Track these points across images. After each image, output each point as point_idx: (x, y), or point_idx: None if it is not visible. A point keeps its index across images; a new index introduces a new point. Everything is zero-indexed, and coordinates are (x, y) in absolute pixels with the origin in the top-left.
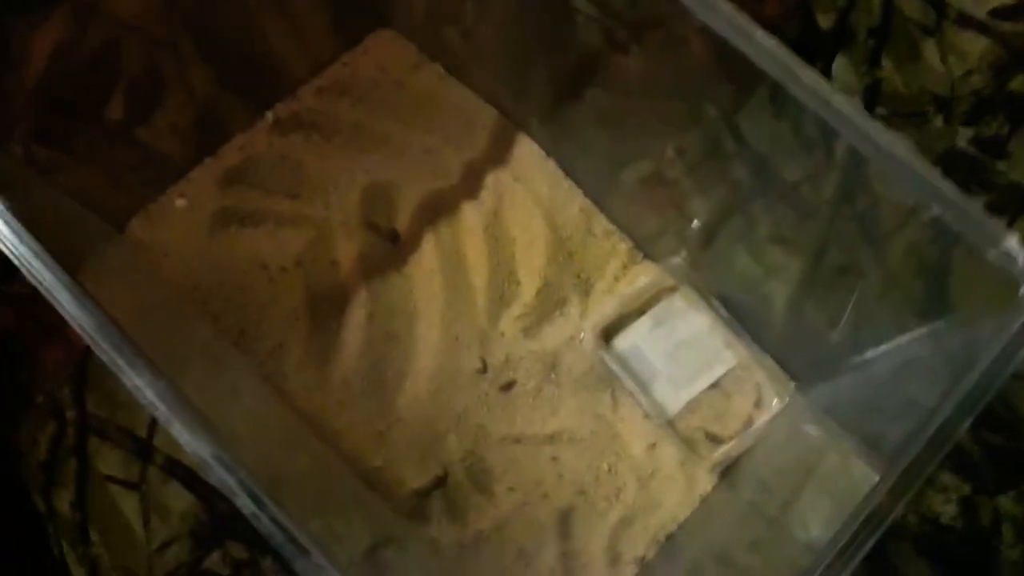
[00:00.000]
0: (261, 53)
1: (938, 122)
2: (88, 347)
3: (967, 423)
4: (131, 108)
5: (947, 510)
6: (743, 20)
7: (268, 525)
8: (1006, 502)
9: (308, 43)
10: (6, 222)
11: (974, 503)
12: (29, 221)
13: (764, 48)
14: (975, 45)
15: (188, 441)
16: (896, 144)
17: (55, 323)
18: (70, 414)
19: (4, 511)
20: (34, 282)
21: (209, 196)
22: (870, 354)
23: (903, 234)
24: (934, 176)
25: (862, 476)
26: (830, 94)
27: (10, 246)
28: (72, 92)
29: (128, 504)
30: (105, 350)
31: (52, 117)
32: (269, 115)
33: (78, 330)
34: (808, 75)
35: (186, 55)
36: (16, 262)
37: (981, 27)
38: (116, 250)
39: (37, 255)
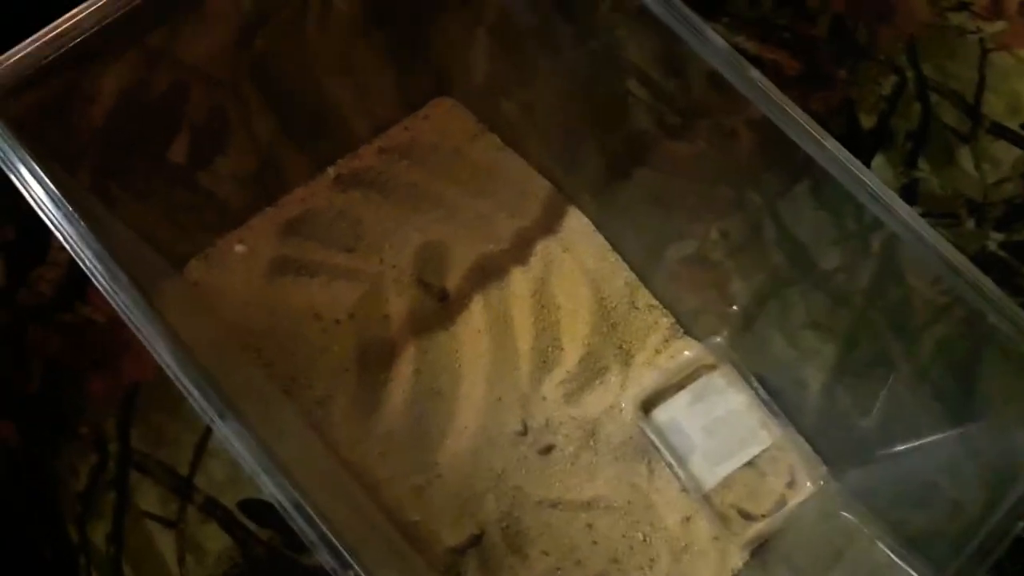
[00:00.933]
0: (325, 109)
1: (970, 224)
2: (137, 381)
3: (1014, 531)
4: (194, 152)
5: None
6: (797, 113)
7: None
8: None
9: (371, 104)
10: (88, 244)
11: None
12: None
13: (815, 139)
14: (1008, 154)
15: (269, 485)
16: (937, 238)
17: (104, 354)
18: (113, 447)
19: (36, 538)
20: (112, 302)
21: (268, 244)
22: (901, 447)
23: (935, 329)
24: (973, 271)
25: (888, 563)
26: (879, 186)
27: (92, 266)
28: (137, 133)
29: (164, 541)
30: (184, 381)
31: (116, 155)
32: (331, 170)
33: (150, 348)
34: (858, 166)
35: (251, 104)
36: (98, 283)
37: (1014, 138)
38: (174, 288)
39: (115, 277)
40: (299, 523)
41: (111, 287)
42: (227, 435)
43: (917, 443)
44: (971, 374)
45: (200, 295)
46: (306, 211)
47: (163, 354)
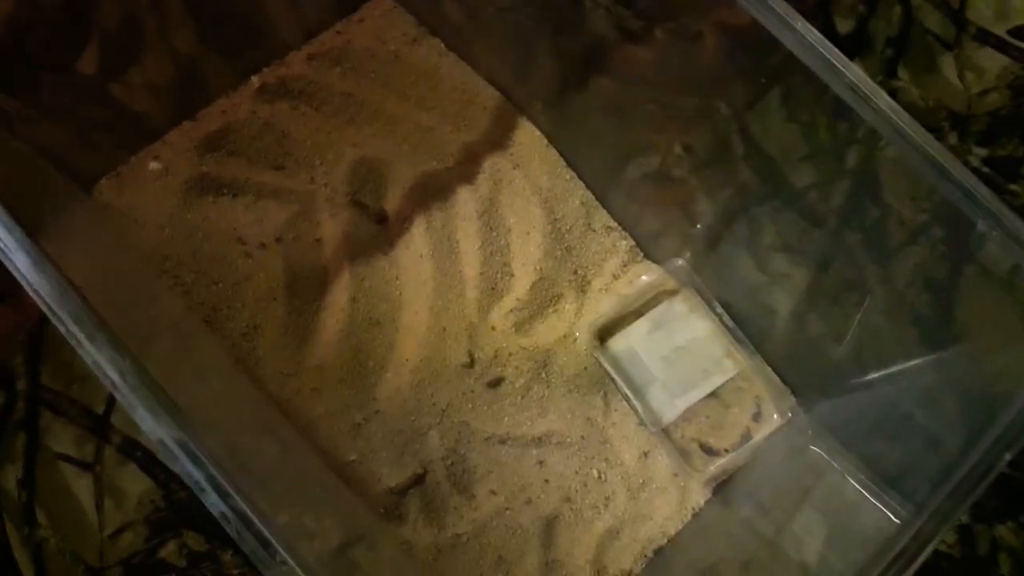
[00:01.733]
0: (250, 13)
1: (952, 139)
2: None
3: (999, 467)
4: (105, 62)
5: (946, 538)
6: (783, 8)
7: (232, 518)
8: (1005, 532)
9: (301, 6)
10: None
11: (972, 532)
12: None
13: (804, 39)
14: (994, 63)
15: (149, 424)
16: (925, 136)
17: (9, 286)
18: (21, 385)
19: None
20: None
21: (186, 161)
22: (875, 375)
23: (914, 249)
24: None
25: (860, 500)
26: (860, 77)
27: None
28: (42, 40)
29: (81, 486)
30: (63, 320)
31: (18, 65)
32: (255, 80)
33: (33, 296)
34: (838, 56)
35: (169, 10)
36: None
37: (1000, 45)
38: (82, 212)
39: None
40: (181, 462)
41: None
42: (98, 362)
43: (892, 370)
44: (951, 297)
45: (111, 219)
46: (227, 124)
47: (45, 300)
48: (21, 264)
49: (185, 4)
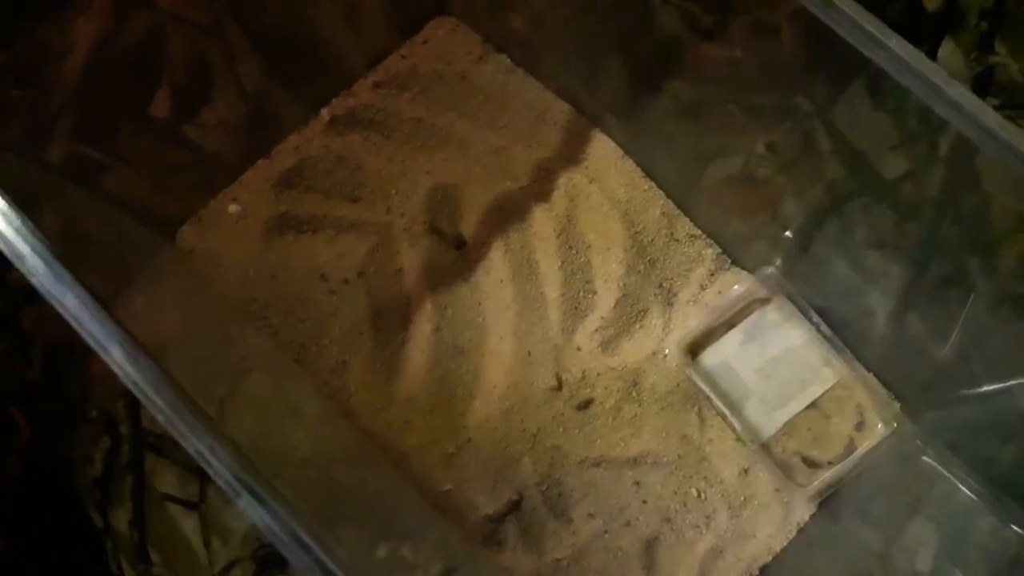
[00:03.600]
0: (313, 44)
1: None
2: None
3: None
4: (177, 104)
5: None
6: (845, 3)
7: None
8: None
9: (363, 33)
10: (33, 249)
11: None
12: (66, 244)
13: (869, 33)
14: None
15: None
16: (1016, 133)
17: None
18: (124, 429)
19: (62, 525)
20: (67, 317)
21: (264, 201)
22: (989, 388)
23: (1018, 239)
24: None
25: (975, 508)
26: (945, 81)
27: (41, 280)
28: (114, 87)
29: (187, 524)
30: (148, 397)
31: (94, 114)
32: (324, 112)
33: (119, 374)
34: (921, 61)
35: (234, 46)
36: (46, 296)
37: None
38: (167, 261)
39: (59, 277)
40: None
41: (60, 303)
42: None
43: (1009, 383)
44: None
45: (195, 264)
46: (301, 160)
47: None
48: (87, 328)
49: (249, 39)
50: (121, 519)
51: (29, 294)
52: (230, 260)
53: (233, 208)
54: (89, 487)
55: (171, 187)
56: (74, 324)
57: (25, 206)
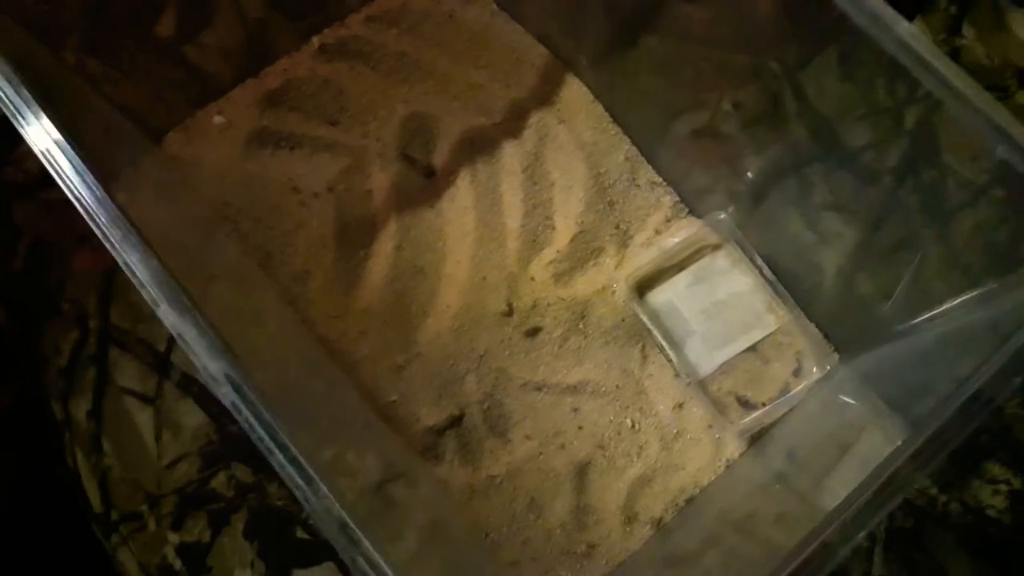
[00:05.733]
0: None
1: (1021, 97)
2: None
3: (1003, 394)
4: (181, 26)
5: (995, 502)
6: None
7: (276, 452)
8: None
9: None
10: (49, 134)
11: (1022, 497)
12: (72, 131)
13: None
14: None
15: (206, 363)
16: (990, 102)
17: (89, 231)
18: (93, 323)
19: (24, 418)
20: (69, 194)
21: (248, 116)
22: (917, 320)
23: (974, 211)
24: None
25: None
26: (920, 42)
27: (52, 158)
28: (124, 7)
29: (142, 417)
30: (131, 266)
31: (103, 31)
32: (315, 40)
33: (106, 244)
34: (897, 21)
35: None
36: (54, 173)
37: None
38: (152, 162)
39: (76, 169)
40: (229, 395)
41: (68, 179)
42: (165, 314)
43: (933, 312)
44: (1012, 258)
45: (178, 168)
46: (288, 81)
47: (116, 248)
48: (97, 214)
49: None
50: (81, 409)
51: (21, 189)
52: (210, 166)
53: (218, 119)
54: (55, 377)
55: (165, 99)
56: (78, 205)
57: (40, 90)
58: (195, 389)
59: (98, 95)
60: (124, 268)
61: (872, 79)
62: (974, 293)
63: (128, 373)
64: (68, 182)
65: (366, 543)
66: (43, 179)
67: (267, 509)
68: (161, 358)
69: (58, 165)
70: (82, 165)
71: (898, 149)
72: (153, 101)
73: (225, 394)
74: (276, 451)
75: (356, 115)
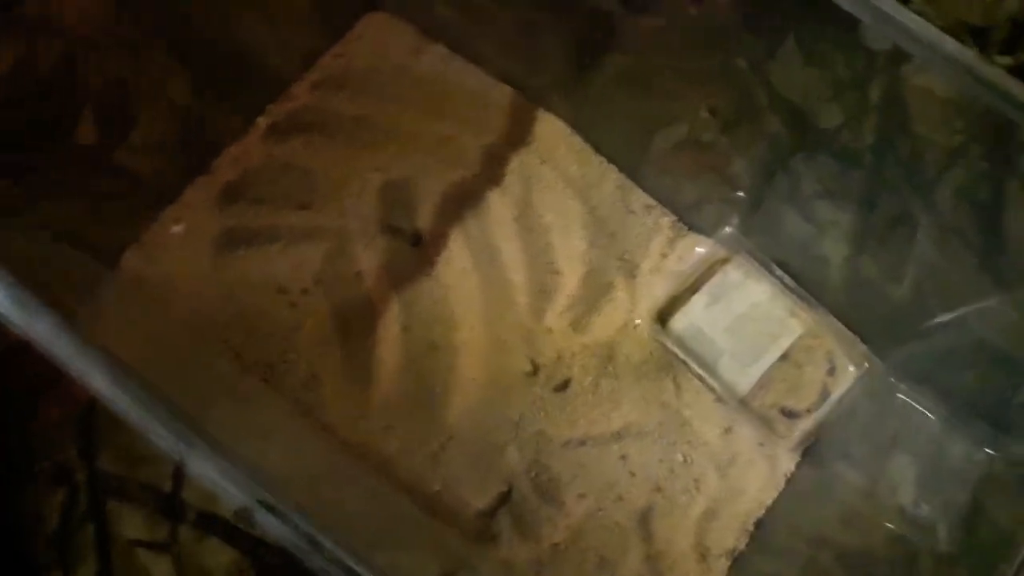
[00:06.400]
0: (242, 52)
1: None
2: (92, 398)
3: None
4: (103, 130)
5: None
6: None
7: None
8: None
9: (293, 36)
10: None
11: None
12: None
13: None
14: None
15: (226, 489)
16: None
17: (48, 377)
18: (80, 476)
19: None
20: (25, 335)
21: (209, 218)
22: (943, 319)
23: (954, 173)
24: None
25: (947, 437)
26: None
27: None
28: (34, 118)
29: (160, 569)
30: (119, 403)
31: (16, 148)
32: (261, 120)
33: (81, 382)
34: None
35: (157, 63)
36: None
37: None
38: (111, 290)
39: (24, 304)
40: (265, 520)
41: (17, 318)
42: (170, 444)
43: (963, 312)
44: (997, 218)
45: (145, 291)
46: (243, 171)
47: (96, 386)
48: (63, 352)
49: (173, 54)
50: (87, 575)
51: None
52: (181, 283)
53: (176, 228)
54: (44, 548)
55: (107, 214)
56: (48, 351)
57: None
58: (216, 525)
59: (29, 227)
60: (110, 406)
61: (831, 58)
62: (996, 298)
63: (134, 523)
64: (20, 325)
65: None
66: None
67: None
68: (168, 498)
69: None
70: (34, 300)
71: (871, 125)
72: (96, 220)
73: (263, 522)
74: (331, 567)
75: (327, 194)
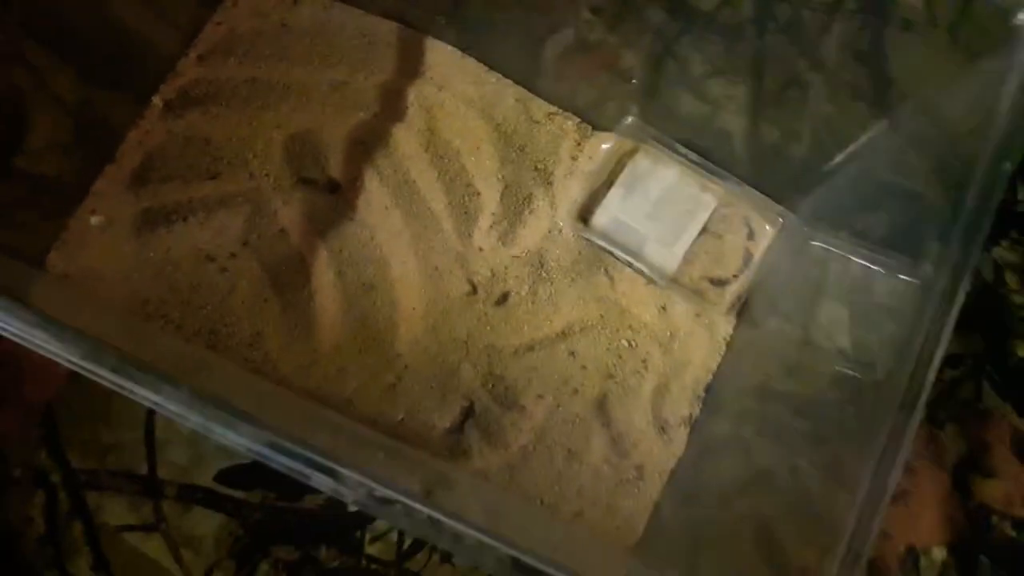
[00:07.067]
0: (122, 38)
1: None
2: (46, 402)
3: (1002, 184)
4: None
5: None
6: None
7: (351, 483)
8: (1002, 252)
9: (170, 10)
10: None
11: None
12: None
13: None
14: None
15: (232, 436)
16: None
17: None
18: (55, 477)
19: None
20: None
21: (124, 204)
22: (841, 157)
23: (833, 29)
24: None
25: (867, 275)
26: None
27: None
28: None
29: (152, 547)
30: (105, 374)
31: None
32: (156, 100)
33: (66, 363)
34: None
35: (37, 63)
36: None
37: None
38: (42, 292)
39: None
40: (279, 460)
41: None
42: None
43: (854, 147)
44: (881, 64)
45: (74, 285)
46: (148, 153)
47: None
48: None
49: (51, 51)
50: (83, 568)
51: None
52: (109, 272)
53: (95, 220)
54: (37, 548)
55: (24, 221)
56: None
57: None
58: (198, 495)
59: None
60: (101, 382)
61: None
62: (881, 123)
63: (117, 511)
64: None
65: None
66: None
67: (327, 573)
68: (146, 480)
69: None
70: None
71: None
72: (12, 229)
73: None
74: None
75: (233, 160)
